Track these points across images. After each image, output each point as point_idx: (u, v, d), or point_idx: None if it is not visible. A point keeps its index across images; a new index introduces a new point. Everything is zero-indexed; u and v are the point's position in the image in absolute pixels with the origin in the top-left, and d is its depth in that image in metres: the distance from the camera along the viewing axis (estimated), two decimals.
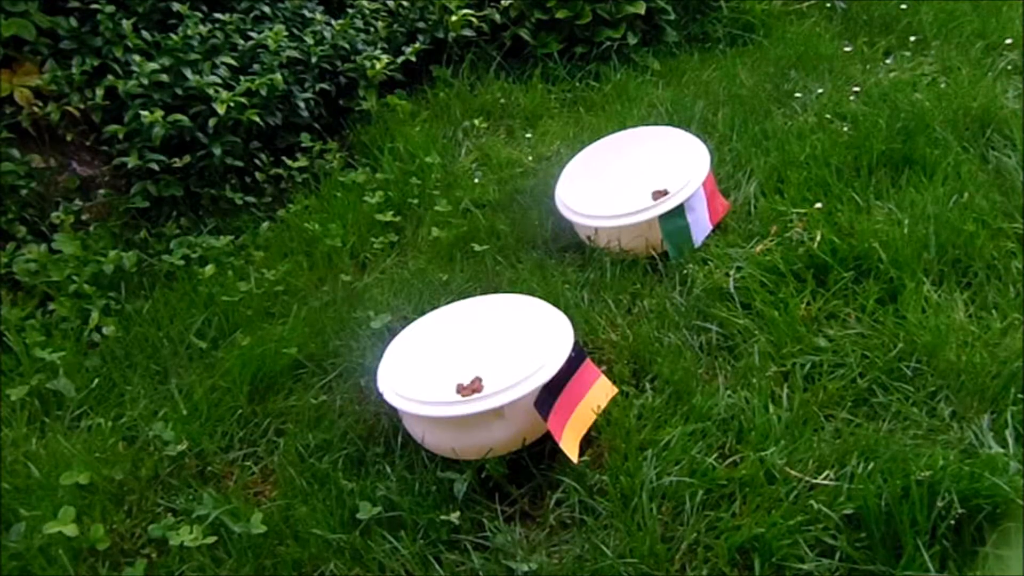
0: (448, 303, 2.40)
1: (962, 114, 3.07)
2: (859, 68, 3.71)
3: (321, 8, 3.94)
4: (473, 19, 4.05)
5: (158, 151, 3.17)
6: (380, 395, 2.06)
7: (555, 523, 1.87)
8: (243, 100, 3.27)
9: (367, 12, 4.00)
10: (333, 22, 3.82)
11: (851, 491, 1.73)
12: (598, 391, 2.06)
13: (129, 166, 3.16)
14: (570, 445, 1.94)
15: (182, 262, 2.98)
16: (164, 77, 3.21)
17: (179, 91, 3.25)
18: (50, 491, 2.00)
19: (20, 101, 3.06)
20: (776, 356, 2.19)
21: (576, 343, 2.07)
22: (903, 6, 4.19)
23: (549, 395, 1.97)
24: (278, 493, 2.03)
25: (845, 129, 3.11)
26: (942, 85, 3.37)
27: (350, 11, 3.95)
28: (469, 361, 2.26)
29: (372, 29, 3.96)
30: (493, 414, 1.94)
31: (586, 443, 2.02)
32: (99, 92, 3.18)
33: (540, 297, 2.35)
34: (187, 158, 3.22)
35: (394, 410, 2.08)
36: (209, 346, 2.56)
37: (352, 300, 2.67)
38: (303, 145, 3.57)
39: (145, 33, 3.30)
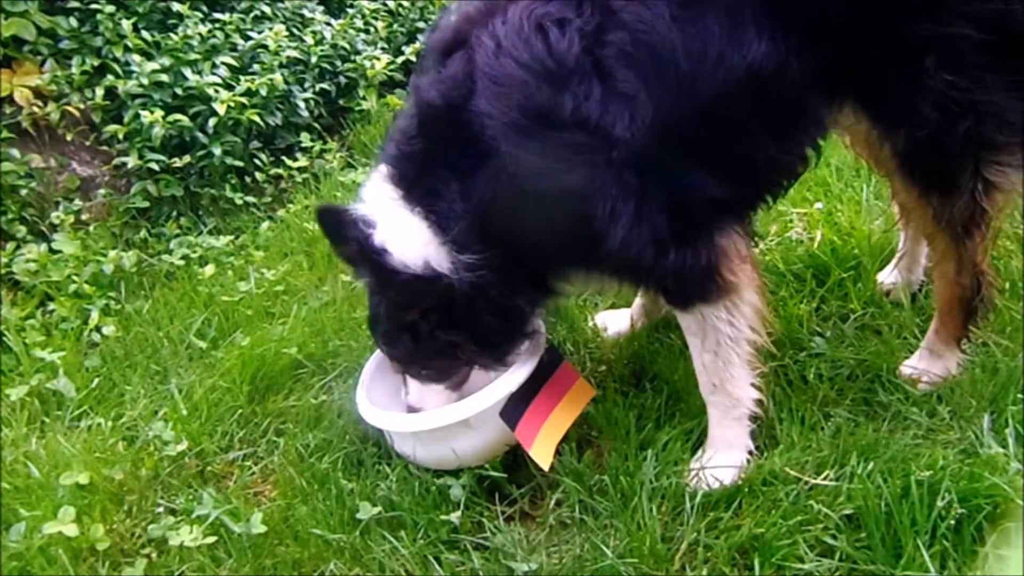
0: None
1: None
2: None
3: (321, 8, 3.95)
4: None
5: (158, 151, 3.17)
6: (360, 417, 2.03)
7: (555, 523, 1.87)
8: (243, 100, 3.28)
9: (367, 12, 4.01)
10: (333, 22, 3.82)
11: (851, 491, 1.72)
12: (576, 395, 2.02)
13: (129, 166, 3.16)
14: (542, 452, 1.89)
15: (182, 262, 2.98)
16: (164, 77, 3.21)
17: (179, 91, 3.25)
18: (50, 491, 2.00)
19: (20, 101, 3.06)
20: (776, 356, 2.18)
21: (551, 347, 2.04)
22: None
23: (517, 404, 1.91)
24: (278, 493, 2.03)
25: None
26: None
27: (350, 11, 3.95)
28: None
29: (372, 29, 3.97)
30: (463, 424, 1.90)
31: (586, 443, 2.02)
32: (99, 92, 3.18)
33: None
34: (187, 158, 3.23)
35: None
36: (209, 346, 2.56)
37: (352, 300, 2.67)
38: (303, 145, 3.57)
39: (145, 33, 3.31)
